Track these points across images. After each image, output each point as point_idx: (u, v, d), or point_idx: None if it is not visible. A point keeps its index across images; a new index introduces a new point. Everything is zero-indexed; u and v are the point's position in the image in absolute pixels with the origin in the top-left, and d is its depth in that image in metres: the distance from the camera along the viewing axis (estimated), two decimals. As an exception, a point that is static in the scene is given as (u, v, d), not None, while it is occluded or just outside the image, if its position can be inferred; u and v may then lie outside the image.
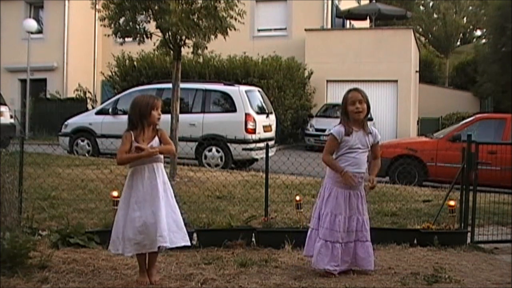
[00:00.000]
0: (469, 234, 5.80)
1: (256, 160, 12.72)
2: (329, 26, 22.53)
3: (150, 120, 4.05)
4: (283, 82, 18.89)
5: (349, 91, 4.44)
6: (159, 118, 4.09)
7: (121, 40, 9.52)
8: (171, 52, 9.38)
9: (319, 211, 4.48)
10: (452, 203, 5.79)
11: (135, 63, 19.53)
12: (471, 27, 42.60)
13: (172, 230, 4.00)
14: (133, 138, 4.02)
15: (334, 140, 4.38)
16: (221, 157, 12.04)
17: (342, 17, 24.14)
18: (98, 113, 13.60)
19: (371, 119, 17.01)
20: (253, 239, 5.42)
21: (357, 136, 4.38)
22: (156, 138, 4.11)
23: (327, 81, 21.32)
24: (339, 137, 4.35)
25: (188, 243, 4.15)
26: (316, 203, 4.58)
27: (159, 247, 4.00)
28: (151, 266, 4.15)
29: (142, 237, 3.94)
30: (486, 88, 24.98)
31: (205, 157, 12.12)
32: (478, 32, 43.55)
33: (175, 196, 4.20)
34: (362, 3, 28.05)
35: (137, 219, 3.95)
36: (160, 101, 4.14)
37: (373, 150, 4.53)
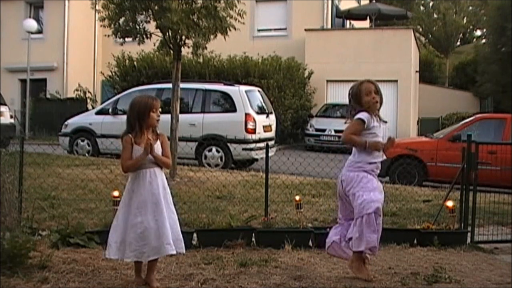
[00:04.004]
0: (469, 234, 5.80)
1: (256, 160, 12.72)
2: (329, 26, 22.54)
3: (148, 122, 3.97)
4: (283, 82, 18.90)
5: (361, 82, 4.32)
6: (158, 120, 4.02)
7: (121, 40, 9.52)
8: (171, 52, 9.38)
9: (345, 202, 4.32)
10: (450, 204, 5.78)
11: (135, 63, 19.54)
12: (471, 27, 42.66)
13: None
14: (133, 141, 3.95)
15: (360, 124, 4.20)
16: (221, 157, 12.04)
17: (342, 17, 24.15)
18: (98, 113, 13.60)
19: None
20: (253, 239, 5.42)
21: (378, 123, 4.28)
22: (158, 142, 4.03)
23: (327, 81, 21.34)
24: (367, 121, 4.19)
25: (183, 251, 4.07)
26: (340, 200, 4.40)
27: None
28: (150, 272, 4.07)
29: (143, 244, 3.88)
30: (486, 88, 25.00)
31: (205, 157, 12.12)
32: (478, 32, 43.65)
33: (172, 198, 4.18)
34: (362, 3, 28.07)
35: (139, 224, 3.89)
36: (159, 102, 4.06)
37: None
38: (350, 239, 4.29)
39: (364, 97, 4.25)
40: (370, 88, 4.27)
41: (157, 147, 4.01)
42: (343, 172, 4.35)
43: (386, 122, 4.39)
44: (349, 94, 4.39)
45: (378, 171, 4.35)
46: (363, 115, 4.22)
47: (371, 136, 4.24)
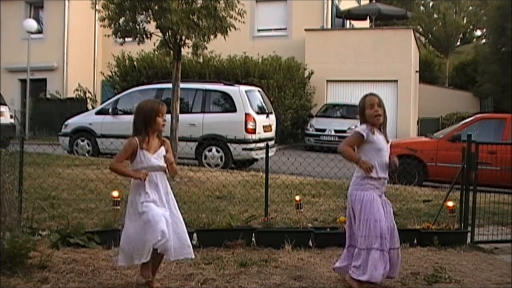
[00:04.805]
0: (469, 234, 5.80)
1: (256, 160, 12.71)
2: (329, 26, 22.53)
3: (154, 127, 3.96)
4: (283, 82, 18.89)
5: (365, 96, 4.33)
6: (163, 125, 4.01)
7: (121, 40, 9.53)
8: (171, 52, 9.39)
9: (352, 224, 4.26)
10: (450, 204, 5.78)
11: (135, 63, 19.53)
12: (471, 27, 42.69)
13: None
14: (138, 145, 3.92)
15: (358, 137, 4.20)
16: (221, 157, 12.04)
17: (342, 17, 24.15)
18: (98, 113, 13.59)
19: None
20: (253, 239, 5.42)
21: (381, 138, 4.26)
22: (163, 149, 4.02)
23: (327, 81, 21.33)
24: (365, 134, 4.18)
25: (191, 256, 4.03)
26: (348, 219, 4.34)
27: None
28: (152, 272, 4.06)
29: (147, 242, 3.80)
30: (486, 88, 25.00)
31: (205, 157, 12.11)
32: (478, 32, 43.69)
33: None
34: (362, 3, 28.06)
35: (147, 221, 3.82)
36: (165, 107, 4.04)
37: None
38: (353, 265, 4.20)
39: (367, 110, 4.23)
40: (374, 101, 4.25)
41: (161, 152, 4.00)
42: (350, 189, 4.30)
43: (388, 141, 4.33)
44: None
45: (385, 188, 4.30)
46: (361, 128, 4.22)
47: (373, 149, 4.20)
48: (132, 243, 3.89)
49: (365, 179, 4.19)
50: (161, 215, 3.84)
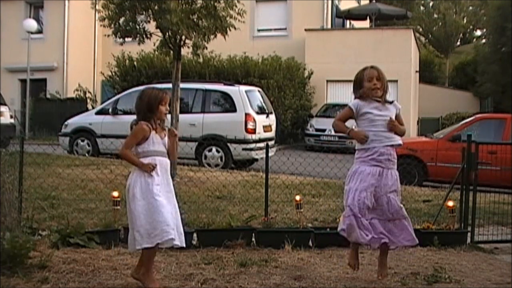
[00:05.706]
0: (469, 234, 5.81)
1: (256, 160, 12.72)
2: (329, 26, 22.54)
3: (157, 115, 3.98)
4: (283, 82, 18.90)
5: (365, 68, 4.36)
6: (166, 114, 4.04)
7: (121, 40, 9.52)
8: (171, 52, 9.38)
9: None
10: (450, 204, 5.78)
11: (135, 63, 19.53)
12: (471, 27, 42.70)
13: None
14: (150, 128, 3.92)
15: (348, 111, 4.30)
16: (221, 157, 12.04)
17: (342, 17, 24.15)
18: (98, 113, 13.60)
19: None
20: (253, 239, 5.42)
21: (378, 108, 4.25)
22: (166, 136, 4.08)
23: (327, 81, 21.33)
24: (354, 108, 4.24)
25: (183, 245, 4.02)
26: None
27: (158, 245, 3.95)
28: (141, 264, 4.05)
29: (174, 222, 3.85)
30: (486, 88, 25.00)
31: (205, 157, 12.12)
32: (478, 32, 43.72)
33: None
34: (362, 3, 28.06)
35: (166, 205, 3.86)
36: (169, 96, 4.08)
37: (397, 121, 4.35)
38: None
39: (365, 83, 4.28)
40: (373, 74, 4.29)
41: (166, 139, 4.05)
42: None
43: (391, 102, 4.34)
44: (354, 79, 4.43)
45: (387, 158, 4.28)
46: (352, 102, 4.32)
47: (367, 122, 4.25)
48: (147, 222, 3.85)
49: (360, 152, 4.28)
50: (170, 210, 3.88)
